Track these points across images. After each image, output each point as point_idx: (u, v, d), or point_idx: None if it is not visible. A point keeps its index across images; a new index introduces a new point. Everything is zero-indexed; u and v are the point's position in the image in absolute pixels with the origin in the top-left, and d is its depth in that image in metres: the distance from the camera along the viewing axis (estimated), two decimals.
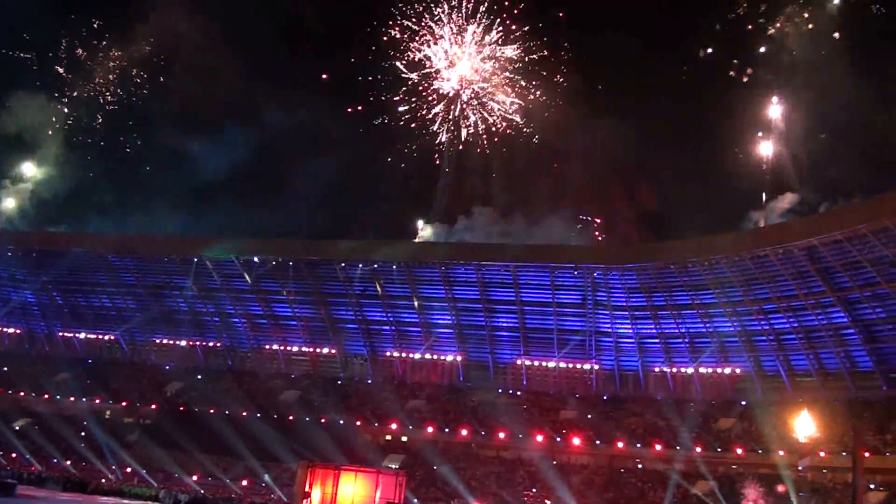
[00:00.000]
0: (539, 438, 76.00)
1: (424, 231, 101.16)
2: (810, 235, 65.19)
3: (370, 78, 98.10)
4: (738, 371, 76.01)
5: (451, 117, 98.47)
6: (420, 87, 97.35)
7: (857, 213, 63.74)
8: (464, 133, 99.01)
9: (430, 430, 78.93)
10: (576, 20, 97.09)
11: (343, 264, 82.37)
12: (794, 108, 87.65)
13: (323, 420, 79.23)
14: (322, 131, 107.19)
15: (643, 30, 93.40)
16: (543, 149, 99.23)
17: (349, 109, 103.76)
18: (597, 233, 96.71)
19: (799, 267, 67.42)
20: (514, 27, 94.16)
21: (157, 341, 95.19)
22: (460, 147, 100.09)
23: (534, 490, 71.71)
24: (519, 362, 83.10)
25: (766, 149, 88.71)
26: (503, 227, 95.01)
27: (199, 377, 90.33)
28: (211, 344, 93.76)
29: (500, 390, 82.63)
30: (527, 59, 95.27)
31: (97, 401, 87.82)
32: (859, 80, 77.78)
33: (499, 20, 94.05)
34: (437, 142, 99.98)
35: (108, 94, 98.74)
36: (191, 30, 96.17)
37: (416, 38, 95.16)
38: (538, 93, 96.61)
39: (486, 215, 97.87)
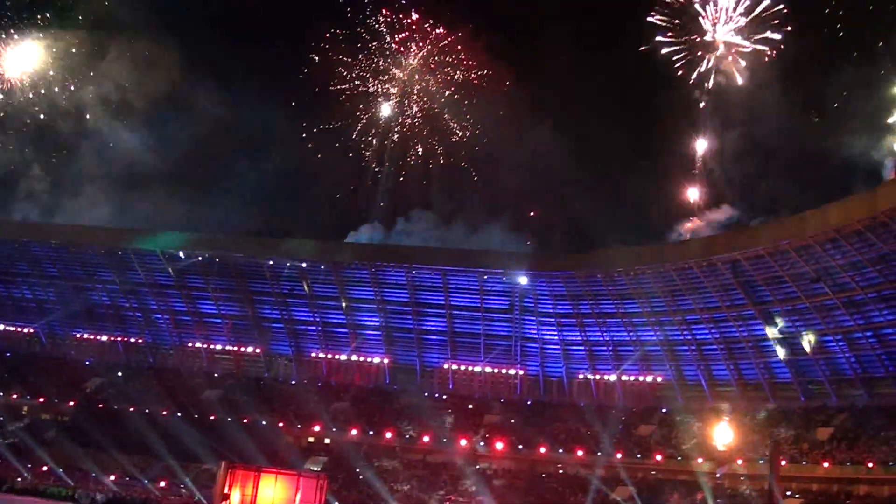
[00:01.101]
0: (463, 443, 74.43)
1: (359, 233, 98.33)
2: (734, 250, 65.46)
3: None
4: (659, 379, 75.65)
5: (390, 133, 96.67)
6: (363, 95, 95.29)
7: (781, 230, 63.91)
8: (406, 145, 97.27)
9: (354, 432, 76.80)
10: (516, 32, 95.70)
11: (271, 262, 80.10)
12: (726, 124, 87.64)
13: (245, 420, 76.41)
14: (264, 130, 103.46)
15: (582, 40, 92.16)
16: (482, 157, 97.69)
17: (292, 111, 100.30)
18: (528, 242, 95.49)
19: (722, 280, 67.52)
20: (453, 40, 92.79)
21: (78, 336, 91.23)
22: (401, 162, 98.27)
23: (456, 494, 70.42)
24: (446, 366, 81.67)
25: (698, 163, 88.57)
26: (442, 232, 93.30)
27: (120, 374, 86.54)
28: (133, 340, 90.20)
29: (426, 394, 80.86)
30: (468, 75, 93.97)
31: (14, 396, 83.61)
32: (791, 99, 78.78)
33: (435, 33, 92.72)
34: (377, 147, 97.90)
35: (41, 78, 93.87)
36: (128, 14, 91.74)
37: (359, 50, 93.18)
38: (479, 104, 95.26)
39: (426, 219, 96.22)
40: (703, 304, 70.30)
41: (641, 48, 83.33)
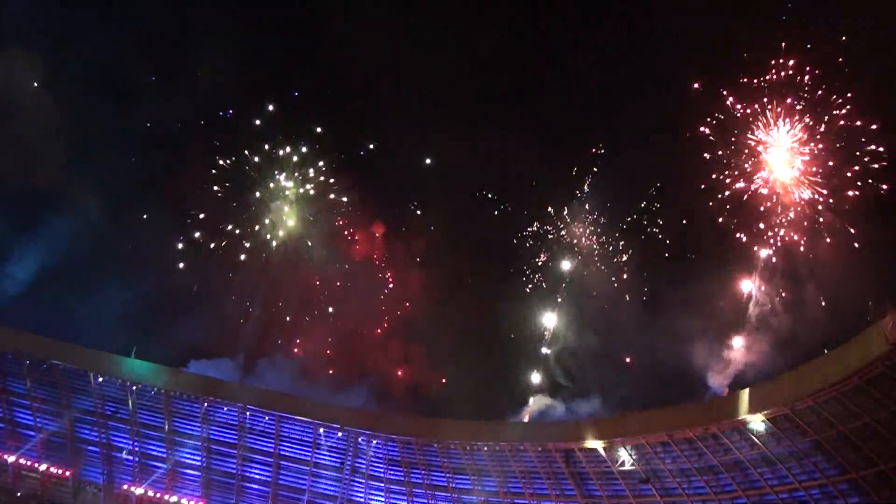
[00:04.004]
0: None
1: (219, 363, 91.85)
2: (570, 439, 62.97)
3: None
4: None
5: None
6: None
7: (616, 426, 61.95)
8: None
9: None
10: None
11: (101, 379, 72.73)
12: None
13: None
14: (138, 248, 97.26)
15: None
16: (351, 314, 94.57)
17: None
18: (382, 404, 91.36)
19: (555, 468, 64.73)
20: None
21: None
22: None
23: None
24: None
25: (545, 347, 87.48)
26: (303, 384, 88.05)
27: None
28: None
29: None
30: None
31: None
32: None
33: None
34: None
35: None
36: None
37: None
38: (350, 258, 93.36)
39: (288, 367, 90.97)
40: (532, 490, 66.86)
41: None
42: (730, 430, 54.73)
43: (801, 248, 74.10)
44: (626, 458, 60.57)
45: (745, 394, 56.34)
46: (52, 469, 76.96)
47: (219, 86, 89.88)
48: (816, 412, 49.22)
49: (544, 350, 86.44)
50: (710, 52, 74.04)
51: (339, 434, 70.90)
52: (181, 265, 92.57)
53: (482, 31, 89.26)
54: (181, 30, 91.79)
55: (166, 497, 74.05)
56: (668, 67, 78.01)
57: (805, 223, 73.85)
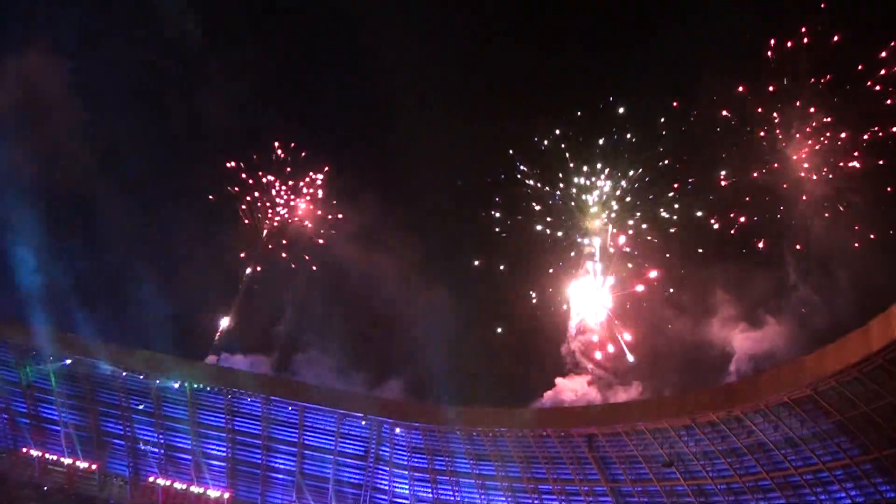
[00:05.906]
0: None
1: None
2: (591, 424, 64.13)
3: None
4: None
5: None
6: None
7: (639, 410, 63.26)
8: None
9: None
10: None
11: (125, 374, 74.22)
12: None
13: None
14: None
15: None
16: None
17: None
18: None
19: (578, 452, 65.75)
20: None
21: None
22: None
23: None
24: None
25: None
26: (333, 376, 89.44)
27: None
28: None
29: None
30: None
31: None
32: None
33: None
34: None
35: None
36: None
37: None
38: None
39: (320, 361, 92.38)
40: (556, 475, 67.90)
41: None
42: (753, 412, 55.36)
43: (824, 230, 74.61)
44: None
45: (767, 376, 57.24)
46: (78, 462, 78.90)
47: None
48: (839, 393, 49.79)
49: (569, 336, 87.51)
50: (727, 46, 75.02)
51: (363, 423, 72.18)
52: None
53: None
54: None
55: (192, 488, 75.81)
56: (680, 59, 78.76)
57: (827, 205, 74.55)
